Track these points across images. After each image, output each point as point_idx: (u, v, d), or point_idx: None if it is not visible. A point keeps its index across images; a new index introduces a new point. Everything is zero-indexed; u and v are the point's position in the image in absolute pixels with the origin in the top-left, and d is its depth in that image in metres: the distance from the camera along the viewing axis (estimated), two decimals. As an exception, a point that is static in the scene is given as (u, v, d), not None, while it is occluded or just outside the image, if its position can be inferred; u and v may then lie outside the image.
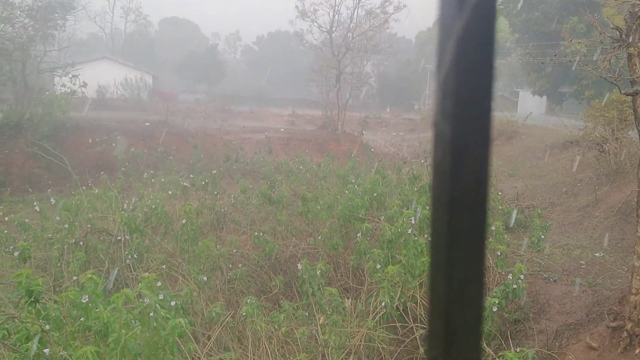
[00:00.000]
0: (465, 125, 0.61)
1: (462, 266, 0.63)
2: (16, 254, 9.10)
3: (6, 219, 13.76)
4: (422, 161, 15.28)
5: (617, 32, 8.42)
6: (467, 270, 0.63)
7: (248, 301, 7.41)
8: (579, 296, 9.26)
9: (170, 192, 15.11)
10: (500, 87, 65.89)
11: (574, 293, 9.41)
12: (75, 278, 8.24)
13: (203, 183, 16.14)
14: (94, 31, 75.99)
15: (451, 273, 0.63)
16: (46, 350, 4.82)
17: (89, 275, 5.47)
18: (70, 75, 26.56)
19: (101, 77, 44.90)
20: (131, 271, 9.71)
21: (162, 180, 17.14)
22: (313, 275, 7.91)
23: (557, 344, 7.96)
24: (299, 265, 8.22)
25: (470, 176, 0.61)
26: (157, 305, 5.18)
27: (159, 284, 6.39)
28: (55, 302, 5.84)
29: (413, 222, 8.67)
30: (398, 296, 7.37)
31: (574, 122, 23.79)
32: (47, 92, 27.20)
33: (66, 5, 29.06)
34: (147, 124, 28.30)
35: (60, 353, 5.02)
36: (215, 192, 15.34)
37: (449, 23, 0.60)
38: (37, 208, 12.74)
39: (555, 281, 10.15)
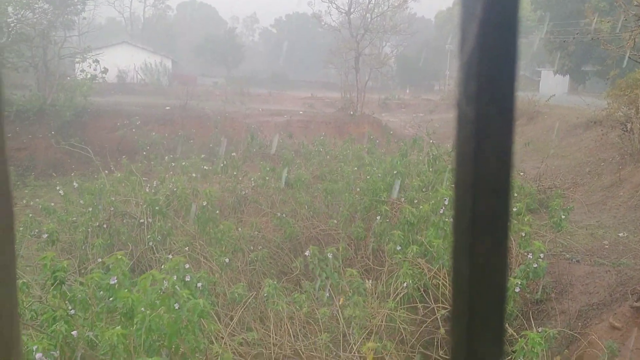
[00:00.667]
0: (488, 106, 0.60)
1: (485, 247, 0.63)
2: (44, 236, 9.29)
3: (31, 202, 14.02)
4: (431, 141, 15.67)
5: (642, 9, 8.23)
6: (490, 251, 0.63)
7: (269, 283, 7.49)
8: (602, 276, 9.18)
9: (192, 175, 15.19)
10: (521, 67, 64.80)
11: (597, 273, 9.33)
12: (100, 260, 8.39)
13: (222, 165, 16.22)
14: (113, 16, 76.26)
15: (474, 254, 0.63)
16: (74, 333, 4.92)
17: (119, 257, 5.56)
18: (92, 60, 26.75)
19: (121, 61, 45.15)
20: (154, 253, 9.86)
21: (183, 163, 17.25)
22: (323, 260, 7.97)
23: (579, 324, 7.92)
24: (306, 252, 8.28)
25: (494, 157, 0.61)
26: (177, 286, 5.24)
27: (187, 266, 6.47)
28: (81, 284, 5.95)
29: (446, 202, 8.63)
30: (419, 277, 7.38)
31: (597, 102, 23.38)
32: (69, 78, 27.45)
33: (85, -10, 29.20)
34: (167, 108, 28.45)
35: (87, 334, 5.13)
36: (235, 173, 15.41)
37: (471, 1, 0.60)
38: (61, 192, 12.91)
39: (578, 261, 10.07)
